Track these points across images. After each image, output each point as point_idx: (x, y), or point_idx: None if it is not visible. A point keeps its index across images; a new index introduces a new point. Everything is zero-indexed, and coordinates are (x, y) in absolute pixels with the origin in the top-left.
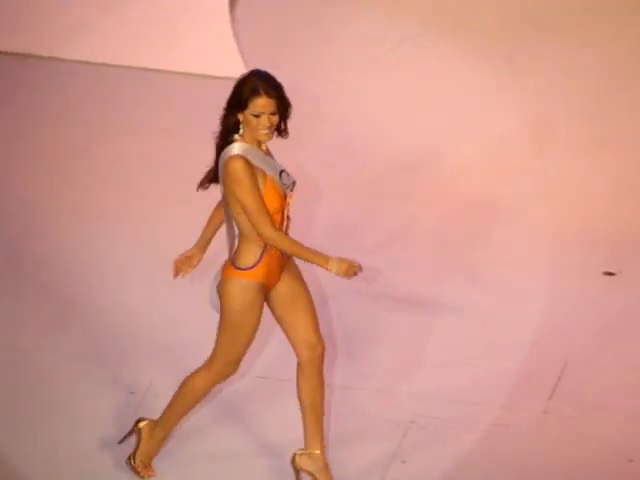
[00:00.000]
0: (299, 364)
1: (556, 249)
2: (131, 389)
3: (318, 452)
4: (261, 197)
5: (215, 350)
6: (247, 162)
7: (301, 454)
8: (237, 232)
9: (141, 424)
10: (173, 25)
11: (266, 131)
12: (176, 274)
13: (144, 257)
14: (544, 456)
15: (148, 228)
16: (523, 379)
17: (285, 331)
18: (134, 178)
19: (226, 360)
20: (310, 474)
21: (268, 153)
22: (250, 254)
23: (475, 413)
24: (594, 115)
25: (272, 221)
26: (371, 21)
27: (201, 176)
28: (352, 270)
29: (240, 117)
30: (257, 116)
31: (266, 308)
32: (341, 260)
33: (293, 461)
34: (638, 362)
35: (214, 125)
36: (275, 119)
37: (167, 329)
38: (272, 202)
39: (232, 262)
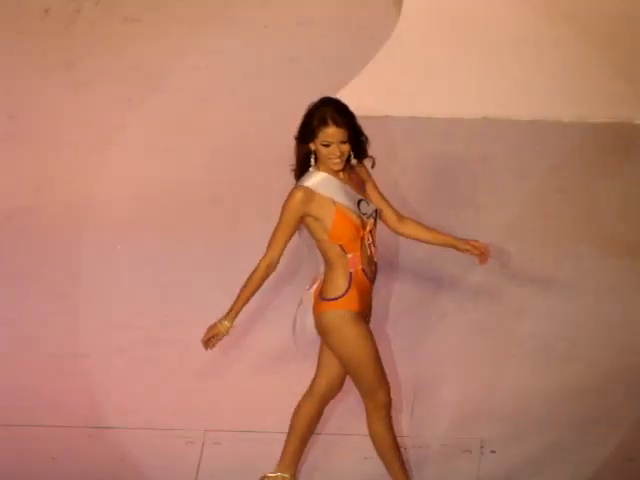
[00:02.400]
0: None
1: None
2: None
3: (287, 476)
4: (287, 234)
5: (356, 384)
6: (305, 195)
7: (274, 477)
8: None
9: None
10: None
11: (337, 160)
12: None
13: None
14: None
15: None
16: None
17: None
18: None
19: (371, 389)
20: None
21: (350, 180)
22: (337, 284)
23: None
24: None
25: (275, 256)
26: None
27: None
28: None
29: (312, 147)
30: (327, 145)
31: None
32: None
33: None
34: None
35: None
36: (346, 148)
37: None
38: (344, 230)
39: (321, 296)
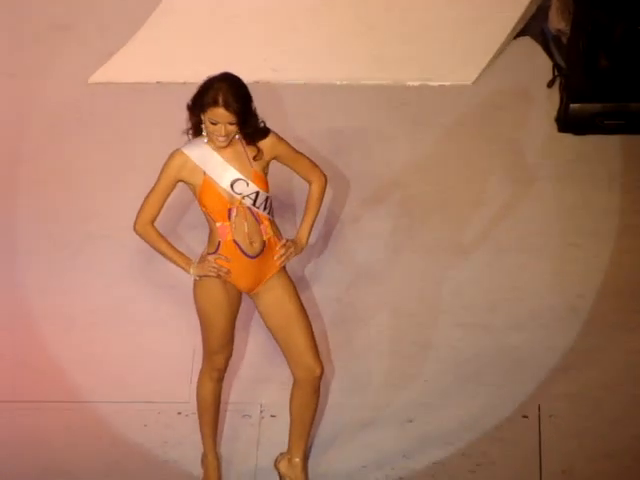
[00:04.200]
0: (295, 381)
1: None
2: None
3: (297, 460)
4: (160, 196)
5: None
6: (181, 160)
7: (282, 458)
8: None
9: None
10: None
11: (221, 139)
12: None
13: None
14: None
15: None
16: None
17: (281, 348)
18: None
19: (207, 351)
20: (285, 476)
21: (236, 157)
22: (210, 241)
23: None
24: None
25: (147, 219)
26: None
27: None
28: (210, 265)
29: (202, 118)
30: (214, 123)
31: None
32: (201, 262)
33: (276, 461)
34: None
35: None
36: (232, 129)
37: None
38: (208, 200)
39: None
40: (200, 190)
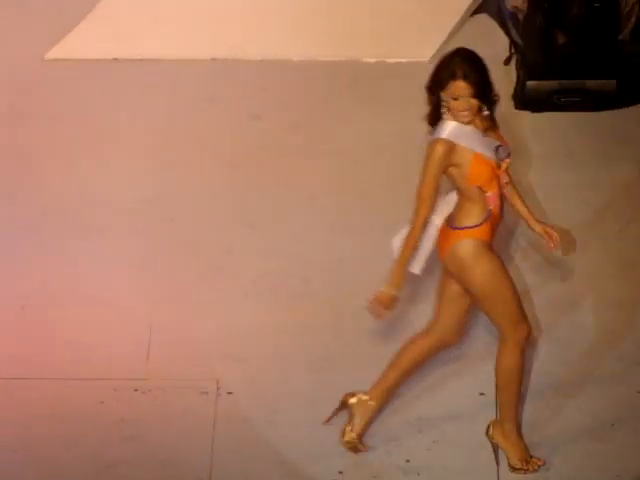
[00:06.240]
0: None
1: None
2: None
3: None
4: (435, 189)
5: (497, 322)
6: (447, 146)
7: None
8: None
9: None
10: None
11: (465, 113)
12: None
13: None
14: None
15: None
16: None
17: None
18: None
19: (514, 321)
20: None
21: (483, 127)
22: (473, 214)
23: None
24: None
25: (425, 215)
26: None
27: None
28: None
29: (442, 96)
30: (455, 99)
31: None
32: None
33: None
34: None
35: None
36: (474, 102)
37: None
38: (481, 174)
39: (453, 226)
40: (471, 166)
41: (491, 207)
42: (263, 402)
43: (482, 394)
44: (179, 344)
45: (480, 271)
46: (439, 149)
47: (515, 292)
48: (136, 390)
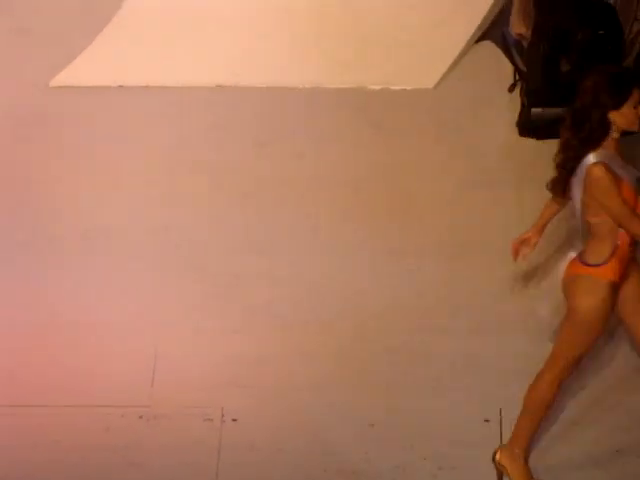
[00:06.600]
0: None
1: None
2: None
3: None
4: (623, 202)
5: (560, 347)
6: (608, 169)
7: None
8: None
9: (497, 456)
10: None
11: None
12: (515, 256)
13: None
14: None
15: None
16: None
17: (630, 332)
18: None
19: (571, 355)
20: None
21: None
22: (600, 253)
23: None
24: None
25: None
26: None
27: None
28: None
29: (611, 116)
30: (635, 107)
31: None
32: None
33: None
34: None
35: None
36: None
37: None
38: (627, 204)
39: (581, 260)
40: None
41: (618, 242)
42: (268, 429)
43: (487, 421)
44: (184, 371)
45: (584, 304)
46: (604, 174)
47: (594, 342)
48: (141, 417)
